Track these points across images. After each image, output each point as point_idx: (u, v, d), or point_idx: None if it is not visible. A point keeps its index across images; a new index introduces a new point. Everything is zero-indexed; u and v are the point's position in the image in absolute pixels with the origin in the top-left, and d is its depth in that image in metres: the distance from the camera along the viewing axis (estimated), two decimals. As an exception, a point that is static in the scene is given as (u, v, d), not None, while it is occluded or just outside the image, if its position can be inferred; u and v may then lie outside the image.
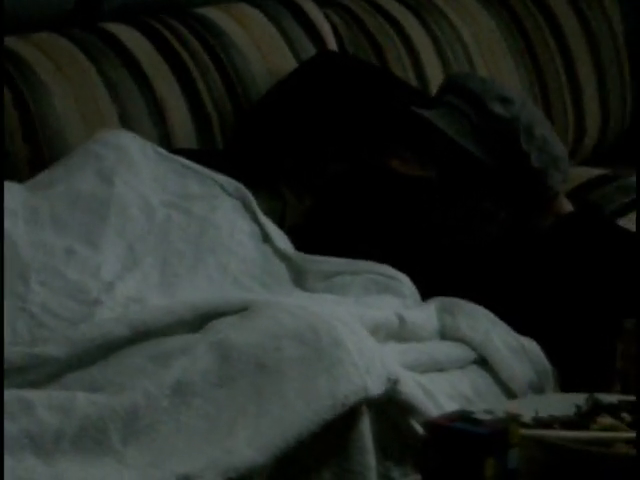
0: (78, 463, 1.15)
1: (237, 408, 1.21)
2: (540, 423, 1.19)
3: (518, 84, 2.41)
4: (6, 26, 1.81)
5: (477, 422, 1.05)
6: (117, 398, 1.20)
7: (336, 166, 1.72)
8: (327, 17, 2.15)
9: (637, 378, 1.32)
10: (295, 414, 1.20)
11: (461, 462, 1.04)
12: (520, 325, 1.47)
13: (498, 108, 1.68)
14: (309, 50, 2.07)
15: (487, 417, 1.06)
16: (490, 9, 2.46)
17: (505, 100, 1.69)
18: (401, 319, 1.42)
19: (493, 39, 2.43)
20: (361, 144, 1.71)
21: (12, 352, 1.28)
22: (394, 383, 1.28)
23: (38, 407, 1.18)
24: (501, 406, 1.20)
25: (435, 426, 1.07)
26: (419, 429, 1.29)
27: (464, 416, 1.07)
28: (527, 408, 1.22)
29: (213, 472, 1.15)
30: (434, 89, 2.21)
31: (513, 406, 1.22)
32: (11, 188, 1.59)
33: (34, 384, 1.27)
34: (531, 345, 1.45)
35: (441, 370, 1.41)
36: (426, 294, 1.53)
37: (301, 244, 1.61)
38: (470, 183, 1.65)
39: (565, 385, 1.45)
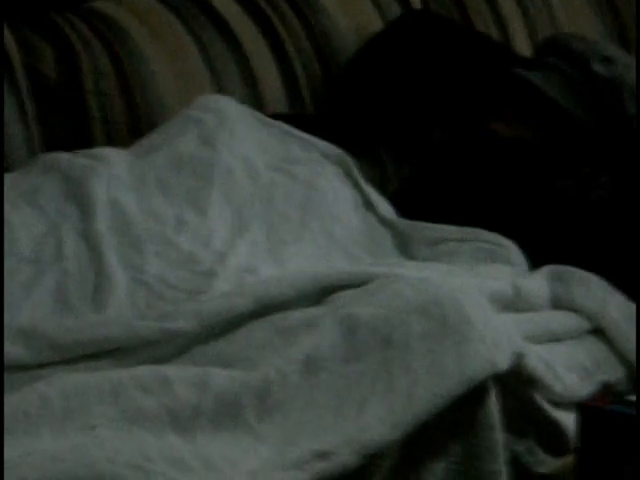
0: (216, 439, 1.16)
1: (366, 384, 1.22)
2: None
3: (598, 36, 2.39)
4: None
5: (630, 404, 1.06)
6: (250, 374, 1.21)
7: (437, 133, 1.71)
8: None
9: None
10: (425, 390, 1.21)
11: (620, 445, 1.05)
12: (634, 292, 1.46)
13: (602, 70, 1.66)
14: (394, 9, 2.06)
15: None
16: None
17: (609, 60, 1.67)
18: (516, 289, 1.41)
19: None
20: (462, 108, 1.70)
21: (142, 326, 1.29)
22: (520, 357, 1.29)
23: (175, 382, 1.19)
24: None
25: (591, 409, 1.07)
26: (541, 402, 1.31)
27: (616, 399, 1.07)
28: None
29: (348, 448, 1.17)
30: (517, 45, 2.20)
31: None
32: (114, 154, 1.59)
33: (163, 359, 1.28)
34: (648, 314, 1.44)
35: (557, 340, 1.40)
36: (535, 262, 1.53)
37: (403, 211, 1.61)
38: (572, 147, 1.64)
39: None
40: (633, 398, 1.08)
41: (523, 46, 2.20)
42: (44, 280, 1.41)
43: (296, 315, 1.30)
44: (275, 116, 1.76)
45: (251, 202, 1.53)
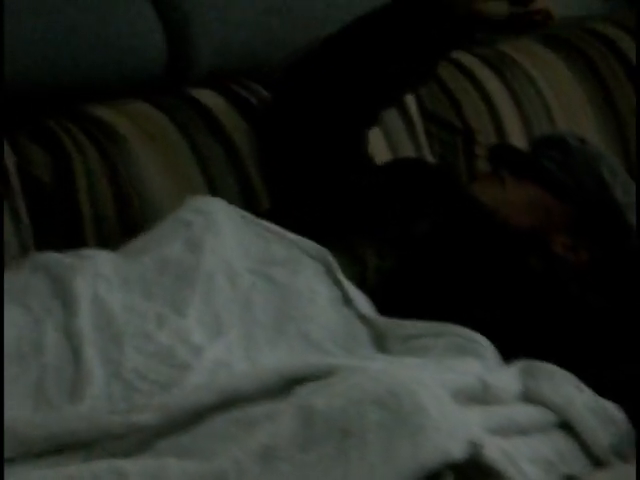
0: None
1: (323, 473, 1.24)
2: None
3: (597, 135, 2.43)
4: (95, 93, 1.89)
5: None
6: (207, 465, 1.24)
7: (420, 225, 1.75)
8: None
9: None
10: (381, 479, 1.23)
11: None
12: (600, 389, 1.48)
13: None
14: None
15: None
16: (567, 60, 2.49)
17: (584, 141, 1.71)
18: (484, 383, 1.44)
19: (571, 91, 2.45)
20: (442, 201, 1.74)
21: (109, 420, 1.33)
22: (477, 448, 1.31)
23: (131, 476, 1.22)
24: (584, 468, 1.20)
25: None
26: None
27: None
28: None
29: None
30: (514, 142, 2.24)
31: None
32: (102, 255, 1.66)
33: (128, 452, 1.32)
34: (614, 409, 1.45)
35: (524, 434, 1.42)
36: (508, 356, 1.55)
37: (383, 306, 1.65)
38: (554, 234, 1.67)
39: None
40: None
41: (519, 144, 2.25)
42: (26, 376, 1.46)
43: (258, 407, 1.33)
44: (264, 213, 1.82)
45: (229, 307, 1.58)
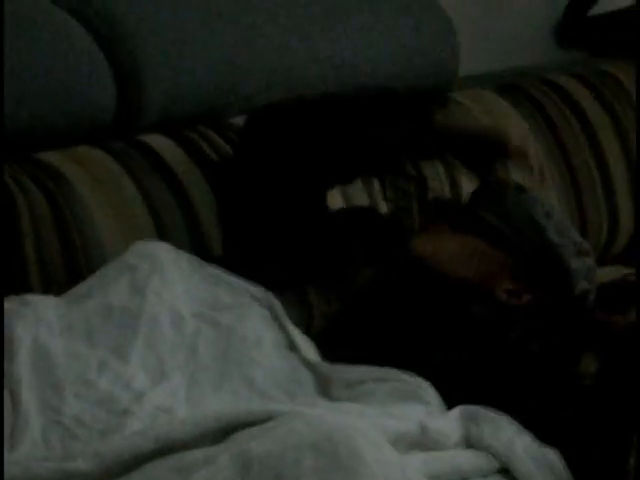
0: None
1: (259, 520, 1.24)
2: None
3: (550, 182, 2.44)
4: (44, 140, 1.89)
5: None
6: (140, 512, 1.24)
7: (366, 270, 1.75)
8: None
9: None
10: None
11: None
12: (541, 434, 1.48)
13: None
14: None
15: None
16: (522, 110, 2.51)
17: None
18: (424, 428, 1.44)
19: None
20: (385, 253, 1.75)
21: (41, 468, 1.31)
22: (413, 493, 1.30)
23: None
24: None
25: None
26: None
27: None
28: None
29: None
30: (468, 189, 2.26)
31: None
32: (48, 301, 1.65)
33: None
34: (552, 455, 1.46)
35: (464, 479, 1.42)
36: (451, 401, 1.55)
37: (327, 351, 1.65)
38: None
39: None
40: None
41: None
42: None
43: (195, 454, 1.33)
44: (213, 258, 1.81)
45: (174, 352, 1.58)
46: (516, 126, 1.88)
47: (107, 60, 1.96)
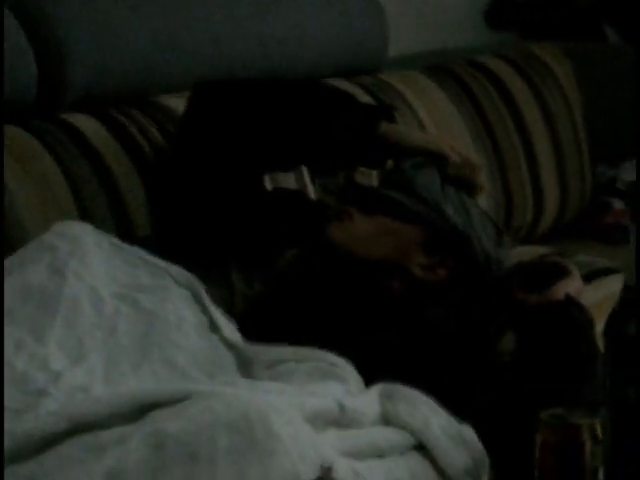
0: None
1: (174, 498, 1.23)
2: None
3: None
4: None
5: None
6: (52, 491, 1.23)
7: (288, 251, 1.76)
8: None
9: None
10: (228, 504, 1.22)
11: None
12: (458, 411, 1.50)
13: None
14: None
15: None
16: (448, 91, 2.53)
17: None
18: (341, 406, 1.44)
19: (451, 119, 2.49)
20: (306, 237, 1.75)
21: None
22: (327, 470, 1.31)
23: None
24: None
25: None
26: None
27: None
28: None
29: None
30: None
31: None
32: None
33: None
34: (468, 432, 1.47)
35: (381, 456, 1.43)
36: (370, 379, 1.56)
37: (250, 331, 1.64)
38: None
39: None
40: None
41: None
42: None
43: (109, 433, 1.32)
44: (137, 239, 1.80)
45: (93, 332, 1.56)
46: (456, 144, 1.90)
47: (27, 37, 1.93)
